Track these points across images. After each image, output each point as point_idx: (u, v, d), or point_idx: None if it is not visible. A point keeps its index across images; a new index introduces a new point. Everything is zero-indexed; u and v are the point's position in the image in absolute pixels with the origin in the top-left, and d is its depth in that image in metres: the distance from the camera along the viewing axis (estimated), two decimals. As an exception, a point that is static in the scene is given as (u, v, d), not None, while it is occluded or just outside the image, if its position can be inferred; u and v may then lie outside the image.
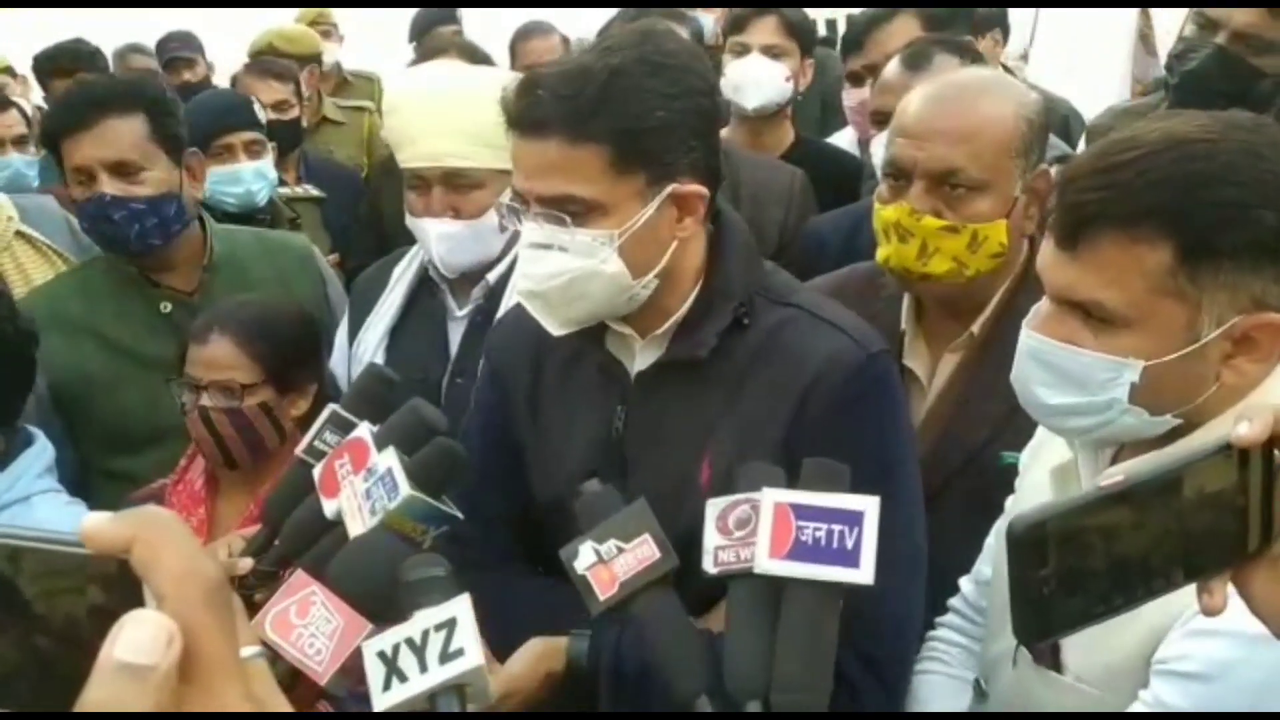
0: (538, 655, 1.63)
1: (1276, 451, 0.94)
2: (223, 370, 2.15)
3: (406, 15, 5.63)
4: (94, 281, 2.63)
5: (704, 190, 1.65)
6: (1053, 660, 1.49)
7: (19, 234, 2.99)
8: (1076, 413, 1.43)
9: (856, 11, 4.99)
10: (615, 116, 1.56)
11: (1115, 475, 0.91)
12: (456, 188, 2.31)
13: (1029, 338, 1.45)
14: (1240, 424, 0.91)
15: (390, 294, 2.49)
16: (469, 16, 6.00)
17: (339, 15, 6.08)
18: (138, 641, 0.52)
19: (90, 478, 2.59)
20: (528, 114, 1.58)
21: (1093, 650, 1.43)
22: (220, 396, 2.14)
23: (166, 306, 2.58)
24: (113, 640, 0.52)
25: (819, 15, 4.87)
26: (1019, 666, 1.55)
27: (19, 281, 2.92)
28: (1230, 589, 0.95)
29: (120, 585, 0.55)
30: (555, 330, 1.69)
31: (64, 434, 2.55)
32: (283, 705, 0.60)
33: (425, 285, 2.49)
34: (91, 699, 0.51)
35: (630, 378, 1.75)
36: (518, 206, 1.65)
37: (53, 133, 2.56)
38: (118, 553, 0.55)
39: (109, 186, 2.47)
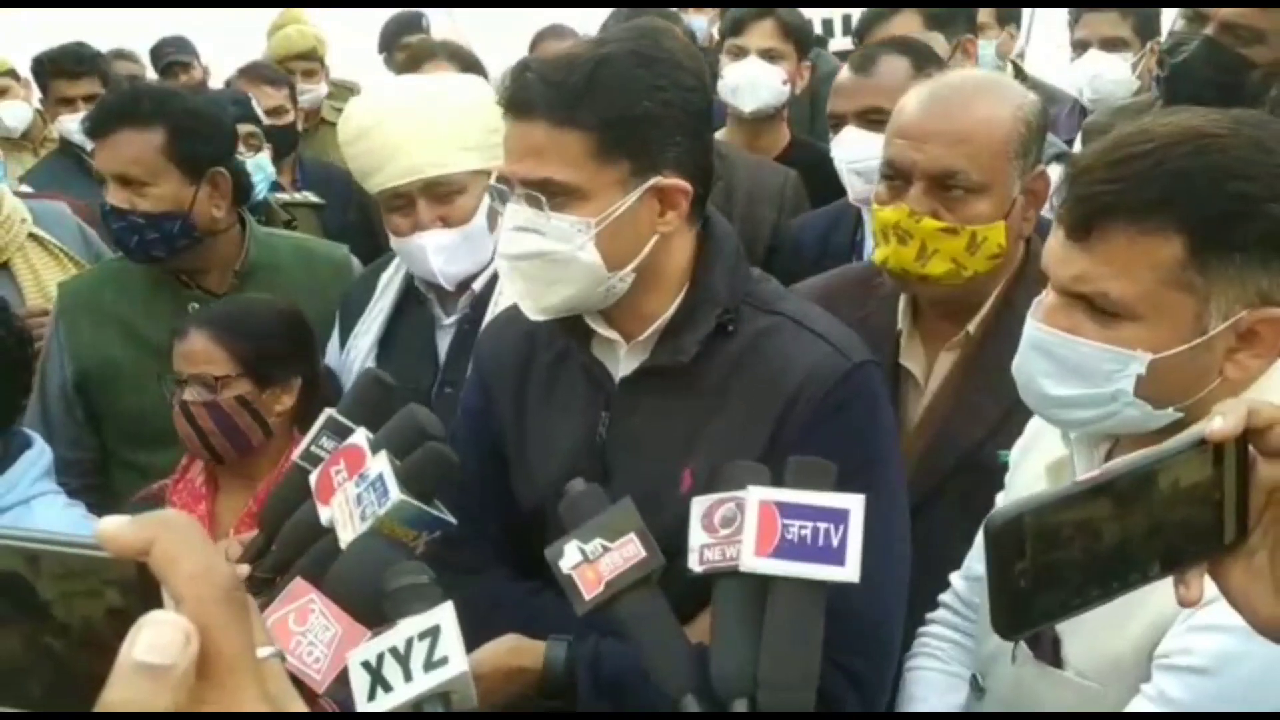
0: (510, 649, 1.62)
1: (1250, 445, 0.94)
2: (199, 364, 2.20)
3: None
4: (130, 274, 2.66)
5: (687, 185, 1.64)
6: (1053, 655, 1.49)
7: (32, 236, 3.02)
8: (1079, 404, 1.43)
9: (854, 11, 5.00)
10: (600, 104, 1.56)
11: (1094, 473, 0.92)
12: (440, 197, 2.30)
13: (1034, 329, 1.45)
14: (1214, 419, 0.92)
15: (378, 302, 2.49)
16: (466, 18, 5.98)
17: (323, 17, 6.04)
18: (156, 642, 0.53)
19: (111, 467, 2.66)
20: (516, 96, 1.60)
21: (1094, 645, 1.43)
22: (199, 390, 2.19)
23: (194, 306, 2.59)
24: (131, 640, 0.53)
25: (817, 15, 4.85)
26: (1018, 662, 1.55)
27: (31, 282, 2.97)
28: (1208, 581, 0.96)
29: (138, 587, 0.56)
30: (533, 315, 1.69)
31: (86, 420, 2.63)
32: (298, 704, 0.60)
33: (412, 294, 2.48)
34: (111, 698, 0.52)
35: (615, 383, 1.74)
36: (504, 189, 1.67)
37: (89, 137, 2.62)
38: (136, 555, 0.56)
39: (113, 197, 2.52)
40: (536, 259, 1.62)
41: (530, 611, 1.69)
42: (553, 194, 1.60)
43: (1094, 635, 1.41)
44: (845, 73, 2.69)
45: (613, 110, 1.57)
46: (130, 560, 0.56)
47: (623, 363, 1.74)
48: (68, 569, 0.57)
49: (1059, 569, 0.91)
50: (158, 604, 0.56)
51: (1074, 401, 1.43)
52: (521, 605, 1.72)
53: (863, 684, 1.57)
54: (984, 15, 4.27)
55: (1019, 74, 4.37)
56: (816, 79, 3.80)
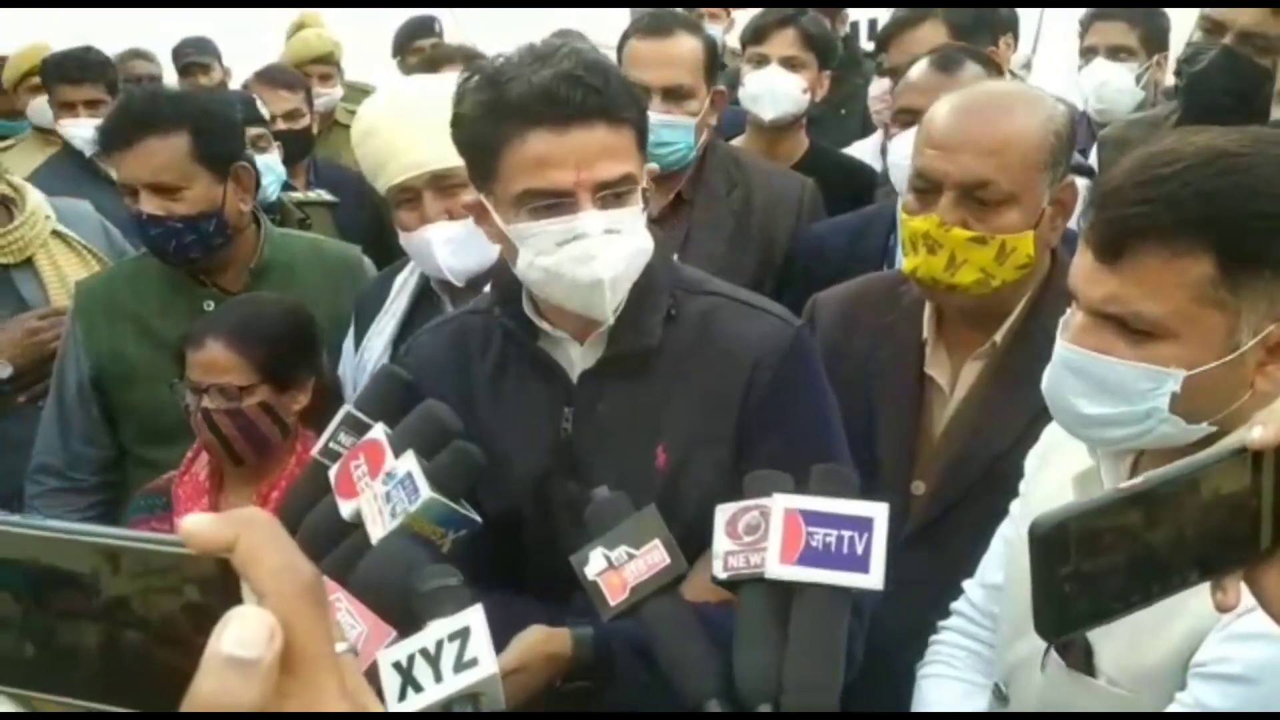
0: (541, 638, 1.63)
1: None
2: (219, 374, 2.22)
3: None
4: (147, 272, 2.68)
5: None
6: (1085, 663, 1.49)
7: (55, 233, 3.02)
8: (1115, 423, 1.43)
9: (861, 16, 5.00)
10: (632, 101, 1.68)
11: (1135, 481, 0.94)
12: (446, 190, 2.30)
13: (1065, 349, 1.45)
14: (1254, 429, 0.94)
15: (393, 303, 2.50)
16: (470, 19, 5.99)
17: (336, 19, 6.05)
18: (243, 635, 0.54)
19: (126, 463, 2.68)
20: (579, 105, 1.61)
21: (1128, 653, 1.43)
22: (220, 399, 2.21)
23: (209, 305, 2.61)
24: (219, 634, 0.54)
25: (861, 15, 4.82)
26: (1049, 670, 1.55)
27: (54, 279, 2.97)
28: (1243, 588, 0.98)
29: (219, 584, 0.57)
30: (610, 316, 1.72)
31: (101, 418, 2.65)
32: (373, 699, 0.61)
33: (427, 295, 2.49)
34: (201, 690, 0.53)
35: (572, 379, 1.77)
36: (562, 201, 1.65)
37: (104, 148, 2.62)
38: (219, 552, 0.57)
39: (148, 205, 2.52)
40: (625, 258, 1.67)
41: (508, 619, 1.69)
42: (627, 188, 1.66)
43: (1128, 643, 1.42)
44: (927, 70, 2.65)
45: (639, 104, 1.70)
46: (211, 557, 0.57)
47: (580, 357, 1.77)
48: (149, 566, 0.57)
49: (1100, 574, 0.93)
50: (237, 600, 0.56)
51: (1109, 420, 1.43)
52: (498, 614, 1.72)
53: (860, 613, 1.62)
54: None
55: None
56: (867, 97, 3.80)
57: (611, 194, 1.65)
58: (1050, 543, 0.91)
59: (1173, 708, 1.38)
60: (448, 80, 2.75)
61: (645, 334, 1.74)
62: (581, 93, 1.60)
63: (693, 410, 1.73)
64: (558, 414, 1.77)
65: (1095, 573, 0.92)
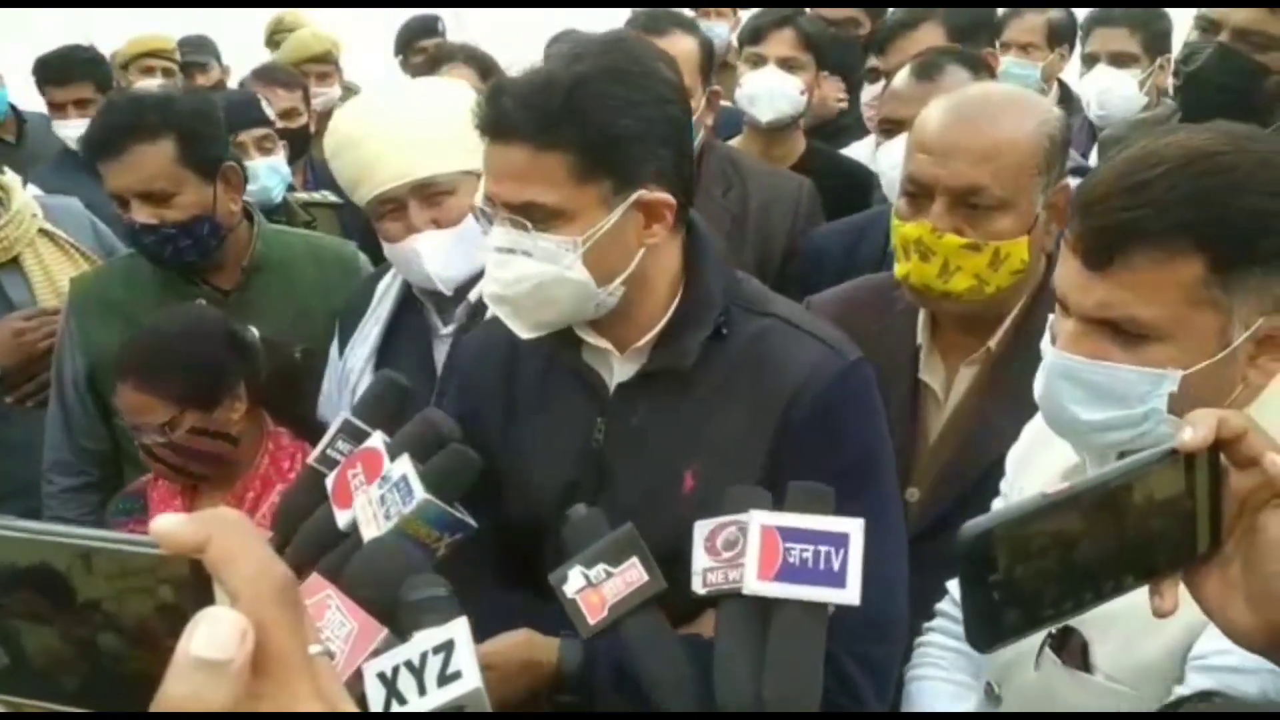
0: (524, 642, 1.62)
1: (1222, 455, 0.96)
2: (139, 414, 2.25)
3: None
4: (140, 270, 2.67)
5: (670, 199, 1.63)
6: (1081, 660, 1.48)
7: (42, 231, 2.99)
8: (1114, 427, 1.43)
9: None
10: (580, 125, 1.55)
11: (1062, 486, 0.93)
12: (430, 199, 2.28)
13: (1058, 357, 1.45)
14: (1184, 430, 0.94)
15: (375, 310, 2.48)
16: (476, 20, 5.98)
17: (336, 19, 6.04)
18: (214, 637, 0.54)
19: (121, 461, 2.70)
20: (495, 120, 1.59)
21: (1124, 648, 1.43)
22: (152, 433, 2.24)
23: (201, 303, 2.60)
24: (189, 636, 0.54)
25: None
26: (1043, 667, 1.54)
27: (41, 278, 2.96)
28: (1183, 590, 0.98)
29: (191, 585, 0.56)
30: (524, 334, 1.68)
31: (98, 413, 2.67)
32: (348, 701, 0.61)
33: (409, 303, 2.46)
34: (170, 692, 0.53)
35: (609, 390, 1.74)
36: (489, 210, 1.66)
37: (91, 157, 2.61)
38: (192, 553, 0.56)
39: (139, 213, 2.51)
40: (525, 283, 1.62)
41: (528, 623, 1.68)
42: (537, 216, 1.59)
43: (1125, 639, 1.42)
44: (906, 79, 2.61)
45: (592, 131, 1.56)
46: (184, 557, 0.56)
47: (618, 369, 1.74)
48: (122, 567, 0.57)
49: (1032, 581, 0.92)
50: (210, 601, 0.56)
51: (1108, 425, 1.43)
52: (519, 618, 1.71)
53: (877, 670, 1.61)
54: (1033, 36, 4.26)
55: (1065, 95, 4.32)
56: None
57: (515, 217, 1.60)
58: (977, 552, 0.89)
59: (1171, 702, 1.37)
60: (418, 85, 2.77)
61: (682, 353, 1.68)
62: (495, 113, 1.58)
63: (728, 435, 1.66)
64: (591, 424, 1.73)
65: (1025, 580, 0.91)
